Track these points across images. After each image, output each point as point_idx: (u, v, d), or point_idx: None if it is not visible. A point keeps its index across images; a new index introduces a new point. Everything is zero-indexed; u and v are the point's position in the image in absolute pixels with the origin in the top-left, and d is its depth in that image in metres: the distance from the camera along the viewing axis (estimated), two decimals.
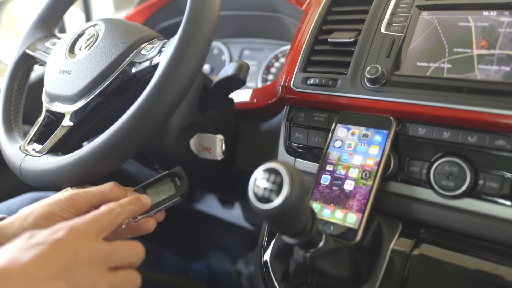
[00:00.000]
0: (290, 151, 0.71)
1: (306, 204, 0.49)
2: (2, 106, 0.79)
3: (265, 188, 0.45)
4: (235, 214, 1.09)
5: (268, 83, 1.01)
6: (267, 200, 0.45)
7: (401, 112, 0.60)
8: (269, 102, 0.74)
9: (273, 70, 1.03)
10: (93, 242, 0.45)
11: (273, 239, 0.64)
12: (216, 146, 0.76)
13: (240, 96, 0.85)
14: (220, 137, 0.76)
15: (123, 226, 0.60)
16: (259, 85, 1.03)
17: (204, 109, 0.79)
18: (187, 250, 1.40)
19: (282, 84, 0.71)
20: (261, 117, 0.80)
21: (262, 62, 1.05)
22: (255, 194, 0.46)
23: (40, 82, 0.78)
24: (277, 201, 0.44)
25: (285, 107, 0.72)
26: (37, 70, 1.25)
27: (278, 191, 0.44)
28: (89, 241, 0.45)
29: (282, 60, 1.02)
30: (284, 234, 0.51)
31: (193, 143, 0.80)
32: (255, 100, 0.79)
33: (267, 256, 0.64)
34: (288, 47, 1.00)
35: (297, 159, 0.70)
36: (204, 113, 0.80)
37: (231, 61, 1.11)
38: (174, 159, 0.80)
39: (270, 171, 0.46)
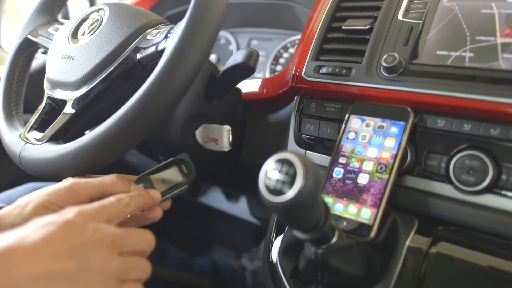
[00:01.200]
0: (300, 143, 0.68)
1: (320, 198, 0.46)
2: (3, 93, 0.76)
3: (277, 180, 0.43)
4: (240, 208, 1.06)
5: (277, 74, 0.98)
6: (279, 193, 0.42)
7: (419, 103, 0.57)
8: (280, 92, 0.71)
9: (282, 60, 1.00)
10: (102, 225, 0.43)
11: (281, 234, 0.62)
12: (223, 137, 0.73)
13: (248, 86, 0.82)
14: (227, 127, 0.73)
15: (128, 215, 0.58)
16: (267, 76, 1.00)
17: (211, 99, 0.77)
18: (190, 244, 1.38)
19: (293, 73, 0.68)
20: (270, 107, 0.77)
21: (270, 52, 1.02)
22: (267, 186, 0.43)
23: (42, 70, 0.76)
24: (290, 193, 0.41)
25: (296, 97, 0.69)
26: (39, 59, 1.23)
27: (291, 183, 0.42)
28: (98, 224, 0.43)
29: (292, 50, 0.99)
30: (296, 228, 0.48)
31: (199, 133, 0.77)
32: (264, 90, 0.76)
33: (275, 252, 0.61)
34: (298, 37, 0.98)
35: (307, 151, 0.67)
36: (211, 103, 0.77)
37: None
38: (179, 150, 0.76)
39: (282, 162, 0.43)
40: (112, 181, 0.56)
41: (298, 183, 0.41)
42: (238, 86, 0.81)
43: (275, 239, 0.63)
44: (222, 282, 1.18)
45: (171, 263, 1.06)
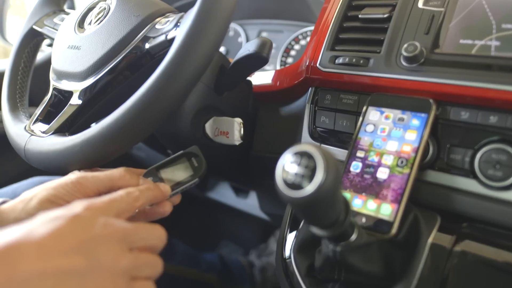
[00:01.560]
0: (314, 136, 0.66)
1: (340, 192, 0.43)
2: (7, 84, 0.74)
3: (295, 174, 0.40)
4: (249, 204, 1.04)
5: (289, 65, 0.95)
6: (298, 187, 0.40)
7: (441, 94, 0.54)
8: (293, 83, 0.69)
9: (292, 53, 0.97)
10: (112, 219, 0.41)
11: (295, 231, 0.59)
12: (234, 130, 0.70)
13: (259, 78, 0.80)
14: (238, 120, 0.70)
15: (136, 210, 0.56)
16: (278, 68, 0.97)
17: (221, 91, 0.74)
18: (197, 240, 1.36)
19: (307, 63, 0.65)
20: (282, 100, 0.75)
21: (281, 44, 0.99)
22: (284, 181, 0.41)
23: (48, 63, 0.74)
24: (310, 188, 0.39)
25: (310, 88, 0.67)
26: (45, 51, 1.21)
27: (310, 177, 0.39)
28: (107, 218, 0.41)
29: (303, 42, 0.96)
30: (314, 224, 0.45)
31: (208, 126, 0.75)
32: (277, 82, 0.73)
33: (289, 249, 0.59)
34: (310, 28, 0.95)
35: (322, 144, 0.65)
36: (221, 95, 0.75)
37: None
38: (188, 143, 0.74)
39: (301, 154, 0.41)
40: (120, 175, 0.54)
41: (319, 177, 0.39)
42: (248, 78, 0.78)
43: (289, 235, 0.61)
44: (230, 278, 1.16)
45: (179, 259, 1.04)
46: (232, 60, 0.70)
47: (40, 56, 1.16)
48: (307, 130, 0.66)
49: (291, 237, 0.61)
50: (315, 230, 0.46)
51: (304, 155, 0.41)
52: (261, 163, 0.80)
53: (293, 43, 0.97)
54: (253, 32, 1.05)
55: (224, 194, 1.11)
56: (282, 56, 0.98)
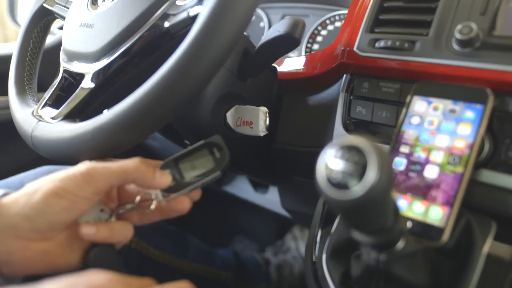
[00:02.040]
0: (349, 128, 0.60)
1: (392, 195, 0.37)
2: (15, 66, 0.69)
3: (342, 171, 0.34)
4: (269, 199, 0.98)
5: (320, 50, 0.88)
6: (344, 187, 0.34)
7: (499, 83, 0.47)
8: (325, 69, 0.62)
9: (319, 38, 0.91)
10: None
11: (323, 230, 0.53)
12: (259, 120, 0.64)
13: (284, 64, 0.74)
14: (264, 109, 0.64)
15: (152, 207, 0.51)
16: (303, 55, 0.91)
17: (244, 78, 0.68)
18: (209, 235, 1.31)
19: (342, 48, 0.59)
20: (310, 88, 0.68)
21: (306, 30, 0.92)
22: (329, 179, 0.35)
23: (59, 46, 0.68)
24: (359, 188, 0.33)
25: (344, 75, 0.61)
26: (56, 34, 1.16)
27: (360, 175, 0.33)
28: None
29: (331, 28, 0.90)
30: (358, 230, 0.40)
31: (230, 116, 0.69)
32: (306, 68, 0.67)
33: (318, 251, 0.53)
34: (339, 12, 0.88)
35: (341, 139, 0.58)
36: (244, 82, 0.69)
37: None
38: (208, 133, 0.69)
39: (349, 148, 0.35)
40: (135, 166, 0.48)
41: (371, 175, 0.33)
42: (273, 64, 0.72)
43: (320, 237, 0.55)
44: (245, 276, 1.11)
45: (193, 256, 0.99)
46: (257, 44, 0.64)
47: (51, 39, 1.11)
48: (340, 122, 0.60)
49: (321, 238, 0.55)
50: (358, 236, 0.40)
51: (352, 150, 0.35)
52: (285, 157, 0.74)
53: (320, 28, 0.91)
54: (276, 16, 0.99)
55: (242, 188, 1.05)
56: (308, 42, 0.91)
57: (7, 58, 0.97)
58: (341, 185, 0.34)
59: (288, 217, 0.98)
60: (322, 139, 0.64)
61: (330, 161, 0.35)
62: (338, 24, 0.89)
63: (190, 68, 0.44)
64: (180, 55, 0.45)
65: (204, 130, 0.69)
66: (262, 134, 0.65)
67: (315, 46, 0.91)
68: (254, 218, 1.34)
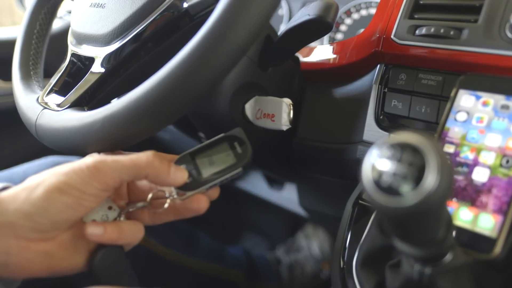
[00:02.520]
0: (382, 124, 0.54)
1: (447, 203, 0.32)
2: (20, 49, 0.64)
3: (394, 174, 0.29)
4: (285, 197, 0.93)
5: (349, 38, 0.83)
6: (396, 192, 0.29)
7: None
8: (356, 59, 0.57)
9: (343, 27, 0.85)
10: None
11: (360, 239, 0.48)
12: (281, 112, 0.59)
13: (308, 53, 0.68)
14: (287, 101, 0.59)
15: (165, 206, 0.46)
16: (325, 44, 0.85)
17: (266, 66, 0.63)
18: (218, 230, 1.26)
19: (378, 35, 0.54)
20: (337, 79, 0.63)
21: None
22: (376, 182, 0.30)
23: (67, 32, 0.63)
24: (414, 194, 0.28)
25: (378, 66, 0.55)
26: (64, 19, 1.11)
27: (416, 179, 0.28)
28: None
29: (356, 16, 0.84)
30: (405, 240, 0.35)
31: (249, 107, 0.64)
32: (334, 58, 0.62)
33: (350, 260, 0.48)
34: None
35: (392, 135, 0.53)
36: (265, 71, 0.64)
37: (290, 17, 0.93)
38: (224, 126, 0.64)
39: (403, 147, 0.30)
40: (148, 160, 0.43)
41: (429, 180, 0.28)
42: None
43: (348, 242, 0.50)
44: (256, 275, 1.06)
45: (202, 253, 0.95)
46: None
47: (58, 24, 1.06)
48: (372, 117, 0.55)
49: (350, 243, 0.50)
50: (403, 247, 0.35)
51: (406, 148, 0.30)
52: (306, 153, 0.69)
53: (343, 16, 0.85)
54: (297, 3, 0.93)
55: (256, 184, 1.01)
56: (331, 31, 0.85)
57: (10, 43, 0.93)
58: (391, 190, 0.29)
59: (303, 215, 0.93)
60: (350, 135, 0.59)
61: (379, 162, 0.30)
62: (364, 12, 0.83)
63: (213, 53, 0.39)
64: (202, 38, 0.40)
65: (221, 122, 0.64)
66: (285, 128, 0.60)
67: (339, 36, 0.85)
68: (265, 215, 1.29)
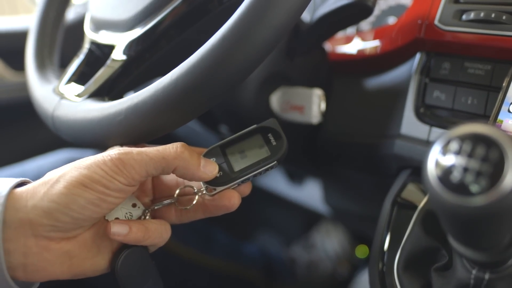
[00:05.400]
0: (423, 117, 0.51)
1: None
2: (35, 36, 0.61)
3: (464, 169, 0.26)
4: (306, 193, 0.90)
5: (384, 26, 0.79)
6: (466, 191, 0.25)
7: None
8: (394, 47, 0.53)
9: (370, 18, 0.81)
10: None
11: (400, 240, 0.45)
12: (311, 104, 0.56)
13: (335, 42, 0.65)
14: (318, 92, 0.56)
15: (194, 202, 0.43)
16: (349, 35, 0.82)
17: (293, 55, 0.60)
18: (233, 226, 1.23)
19: (420, 21, 0.50)
20: (370, 70, 0.59)
21: None
22: (441, 179, 0.26)
23: (83, 22, 0.60)
24: (490, 193, 0.25)
25: (418, 54, 0.51)
26: (80, 11, 1.08)
27: (492, 176, 0.25)
28: None
29: (383, 6, 0.80)
30: (469, 245, 0.31)
31: (276, 99, 0.60)
32: (383, 44, 0.57)
33: (391, 262, 0.45)
34: None
35: (433, 128, 0.49)
36: (292, 60, 0.60)
37: (314, 4, 0.89)
38: (250, 118, 0.60)
39: (475, 139, 0.26)
40: (177, 153, 0.40)
41: (509, 177, 0.25)
42: None
43: (388, 243, 0.47)
44: (272, 274, 1.03)
45: (218, 251, 0.92)
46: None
47: (74, 14, 1.04)
48: (412, 109, 0.51)
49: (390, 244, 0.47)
50: (463, 251, 0.32)
51: (479, 142, 0.26)
52: (334, 147, 0.65)
53: None
54: None
55: (274, 178, 0.97)
56: None
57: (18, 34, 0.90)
58: (460, 188, 0.26)
59: (324, 213, 0.89)
60: (384, 129, 0.55)
61: (445, 157, 0.27)
62: (392, 1, 0.79)
63: (253, 35, 0.36)
64: (239, 19, 0.37)
65: (246, 115, 0.61)
66: (315, 121, 0.57)
67: (366, 27, 0.81)
68: (281, 211, 1.26)
